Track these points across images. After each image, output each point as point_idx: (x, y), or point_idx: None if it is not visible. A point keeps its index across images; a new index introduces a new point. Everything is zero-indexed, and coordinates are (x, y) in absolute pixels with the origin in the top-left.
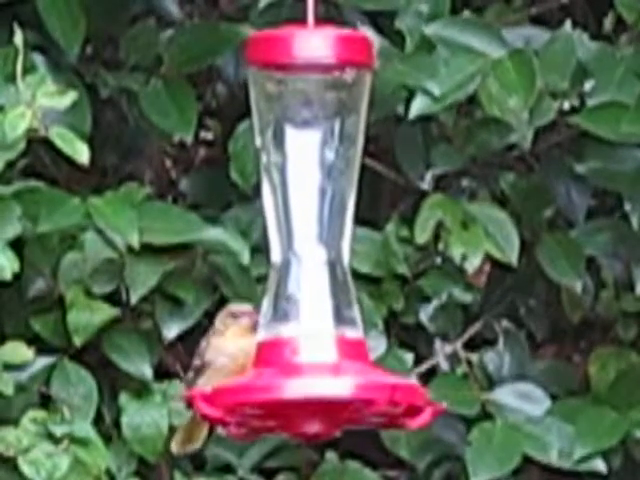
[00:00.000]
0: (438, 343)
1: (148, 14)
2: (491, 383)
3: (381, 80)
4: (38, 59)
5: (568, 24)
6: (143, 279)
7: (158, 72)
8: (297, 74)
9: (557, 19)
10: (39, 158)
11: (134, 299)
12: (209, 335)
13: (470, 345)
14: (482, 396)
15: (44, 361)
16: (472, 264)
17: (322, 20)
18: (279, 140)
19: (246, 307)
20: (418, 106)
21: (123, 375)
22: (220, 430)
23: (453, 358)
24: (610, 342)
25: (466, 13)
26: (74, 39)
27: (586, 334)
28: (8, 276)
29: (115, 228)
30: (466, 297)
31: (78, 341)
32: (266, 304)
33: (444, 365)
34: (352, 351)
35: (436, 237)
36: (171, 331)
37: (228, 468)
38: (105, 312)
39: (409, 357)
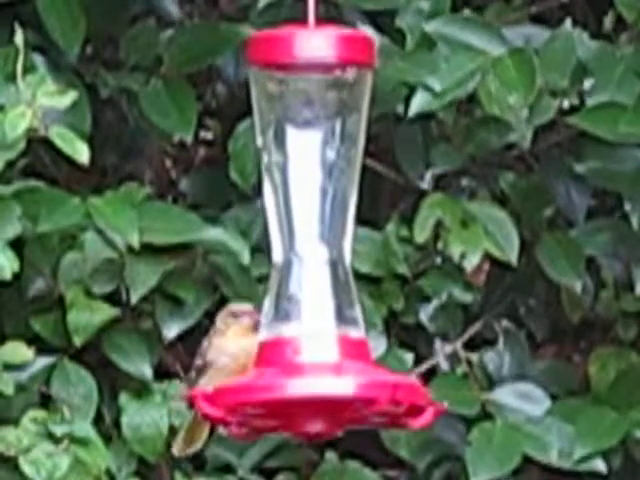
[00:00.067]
0: (438, 343)
1: (148, 14)
2: (491, 383)
3: (381, 78)
4: (38, 59)
5: (568, 23)
6: (143, 279)
7: (158, 72)
8: (298, 74)
9: (557, 18)
10: (39, 158)
11: (134, 299)
12: (210, 335)
13: (470, 345)
14: (482, 396)
15: (44, 361)
16: (471, 262)
17: (322, 20)
18: (280, 140)
19: (246, 306)
20: (418, 102)
21: (123, 375)
22: (221, 430)
23: (453, 358)
24: (610, 342)
25: (466, 12)
26: (74, 39)
27: (586, 334)
28: (8, 276)
29: (115, 228)
30: (466, 297)
31: (78, 341)
32: (268, 304)
33: (444, 365)
34: (354, 351)
35: (436, 237)
36: (171, 331)
37: (228, 468)
38: (105, 312)
39: (409, 357)
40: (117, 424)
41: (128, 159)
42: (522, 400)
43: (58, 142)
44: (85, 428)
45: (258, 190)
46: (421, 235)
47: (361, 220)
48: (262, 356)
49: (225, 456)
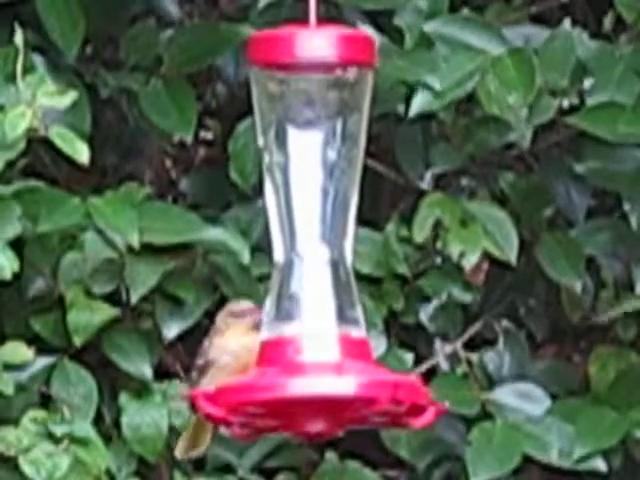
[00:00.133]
0: (438, 343)
1: (148, 14)
2: (491, 383)
3: (380, 76)
4: (38, 59)
5: (567, 23)
6: (143, 279)
7: (158, 72)
8: (299, 74)
9: (557, 18)
10: (39, 158)
11: (134, 299)
12: (211, 334)
13: (470, 345)
14: (482, 396)
15: (44, 361)
16: (469, 261)
17: (323, 19)
18: (281, 140)
19: (246, 304)
20: (419, 103)
21: (123, 375)
22: (223, 430)
23: (453, 358)
24: (610, 342)
25: (465, 11)
26: (73, 39)
27: (586, 334)
28: (8, 276)
29: (115, 228)
30: (466, 297)
31: (78, 341)
32: (269, 303)
33: (444, 365)
34: (355, 350)
35: (436, 237)
36: (171, 331)
37: (228, 468)
38: (105, 312)
39: (409, 357)
40: (117, 424)
41: (128, 159)
42: (522, 400)
43: (58, 142)
44: (85, 428)
45: (258, 190)
46: (420, 235)
47: (362, 220)
48: (263, 355)
49: (225, 456)
